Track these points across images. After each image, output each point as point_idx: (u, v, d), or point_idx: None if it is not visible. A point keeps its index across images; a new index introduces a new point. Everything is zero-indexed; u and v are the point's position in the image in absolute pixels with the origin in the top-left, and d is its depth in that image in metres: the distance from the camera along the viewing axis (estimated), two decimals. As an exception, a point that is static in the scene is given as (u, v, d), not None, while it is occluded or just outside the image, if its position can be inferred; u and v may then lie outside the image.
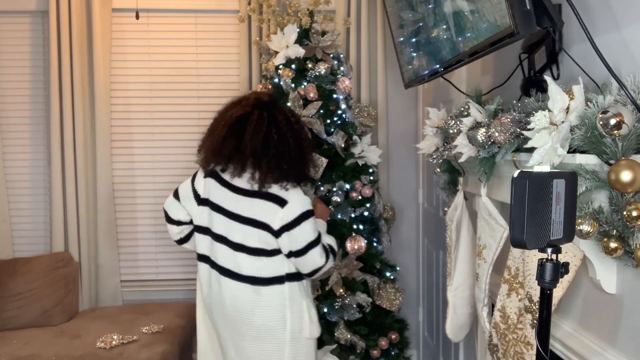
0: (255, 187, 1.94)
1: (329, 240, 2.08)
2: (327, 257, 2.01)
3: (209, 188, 2.04)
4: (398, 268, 2.98)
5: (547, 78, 1.30)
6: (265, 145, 1.91)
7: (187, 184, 2.12)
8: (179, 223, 2.13)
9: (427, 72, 2.03)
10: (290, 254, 1.95)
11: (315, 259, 1.97)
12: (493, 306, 1.83)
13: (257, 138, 1.91)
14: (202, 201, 2.05)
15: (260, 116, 1.94)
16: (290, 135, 1.96)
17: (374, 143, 3.20)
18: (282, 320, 1.98)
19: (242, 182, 1.98)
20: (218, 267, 2.01)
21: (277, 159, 1.92)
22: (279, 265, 1.99)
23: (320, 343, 2.65)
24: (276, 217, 1.92)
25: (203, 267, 2.08)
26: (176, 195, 2.14)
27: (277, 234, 1.93)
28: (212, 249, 2.03)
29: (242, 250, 1.97)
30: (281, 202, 1.93)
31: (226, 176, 2.00)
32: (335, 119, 2.76)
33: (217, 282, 2.02)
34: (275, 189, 1.94)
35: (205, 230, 2.04)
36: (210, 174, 2.05)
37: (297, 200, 1.94)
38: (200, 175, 2.08)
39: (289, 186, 1.95)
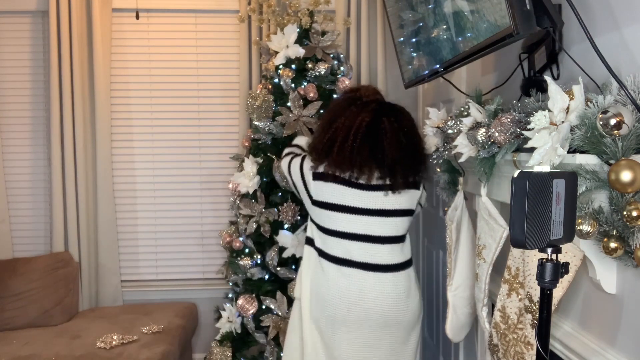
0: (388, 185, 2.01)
1: None
2: None
3: (332, 191, 2.03)
4: (398, 268, 2.97)
5: (547, 78, 1.30)
6: (402, 152, 1.99)
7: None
8: None
9: (427, 72, 2.03)
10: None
11: None
12: (493, 306, 1.83)
13: (396, 147, 1.98)
14: (327, 205, 2.05)
15: (392, 125, 1.99)
16: (417, 139, 2.06)
17: (374, 143, 3.19)
18: (420, 307, 2.11)
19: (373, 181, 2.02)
20: (364, 265, 2.02)
21: (410, 163, 2.03)
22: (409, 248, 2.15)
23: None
24: (421, 198, 2.17)
25: (340, 271, 2.01)
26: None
27: (414, 211, 2.14)
28: (350, 249, 2.02)
29: (388, 241, 2.06)
30: (417, 185, 2.11)
31: (354, 176, 2.00)
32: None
33: (370, 281, 2.01)
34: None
35: (345, 235, 2.04)
36: (330, 178, 2.03)
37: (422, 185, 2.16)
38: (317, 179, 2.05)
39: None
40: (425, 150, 2.10)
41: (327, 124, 2.05)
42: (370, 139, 1.96)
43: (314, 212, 2.09)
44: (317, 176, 2.05)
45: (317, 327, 2.06)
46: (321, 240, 2.07)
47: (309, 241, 2.14)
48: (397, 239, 2.08)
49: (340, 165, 1.98)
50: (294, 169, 2.14)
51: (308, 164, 2.08)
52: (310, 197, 2.09)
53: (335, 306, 2.00)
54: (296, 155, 2.21)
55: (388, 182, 2.01)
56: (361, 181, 2.00)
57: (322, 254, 2.06)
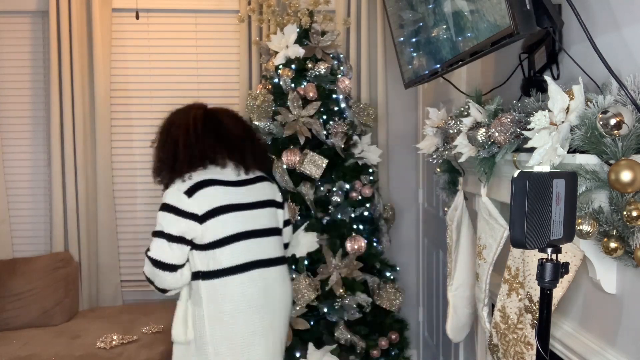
0: (244, 175, 2.06)
1: None
2: None
3: (213, 195, 1.96)
4: (398, 268, 2.98)
5: (547, 78, 1.30)
6: (245, 133, 2.10)
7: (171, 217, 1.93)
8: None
9: (427, 72, 2.03)
10: (288, 222, 2.26)
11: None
12: (493, 306, 1.83)
13: (238, 126, 2.09)
14: (214, 212, 1.95)
15: (227, 112, 2.13)
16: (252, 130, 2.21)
17: (374, 143, 3.20)
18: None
19: (232, 175, 2.03)
20: (263, 262, 2.01)
21: (254, 145, 2.12)
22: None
23: (320, 343, 2.65)
24: (277, 192, 2.20)
25: (246, 275, 1.96)
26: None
27: (281, 205, 2.19)
28: (248, 249, 1.98)
29: (272, 233, 2.10)
30: (272, 179, 2.26)
31: (220, 176, 2.00)
32: (335, 118, 2.76)
33: (270, 277, 2.02)
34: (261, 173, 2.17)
35: (236, 237, 1.97)
36: (206, 182, 1.96)
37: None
38: (180, 194, 1.93)
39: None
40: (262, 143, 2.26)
41: (163, 138, 2.04)
42: (211, 123, 2.02)
43: (207, 229, 1.94)
44: (190, 190, 1.93)
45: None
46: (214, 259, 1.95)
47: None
48: (275, 231, 2.13)
49: (192, 161, 1.96)
50: (165, 223, 1.92)
51: (173, 189, 1.94)
52: (196, 216, 1.92)
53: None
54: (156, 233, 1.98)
55: (244, 172, 2.05)
56: (223, 178, 2.00)
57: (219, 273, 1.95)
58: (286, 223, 2.25)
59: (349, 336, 2.65)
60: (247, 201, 2.02)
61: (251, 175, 2.08)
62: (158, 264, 1.92)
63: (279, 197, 2.19)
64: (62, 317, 3.05)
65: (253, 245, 1.99)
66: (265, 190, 2.11)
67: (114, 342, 2.72)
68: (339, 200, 2.72)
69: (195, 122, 2.01)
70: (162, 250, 1.91)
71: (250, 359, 1.96)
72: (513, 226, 1.00)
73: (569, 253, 1.32)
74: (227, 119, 2.07)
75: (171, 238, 1.91)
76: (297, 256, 2.67)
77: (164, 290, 2.00)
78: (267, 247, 2.04)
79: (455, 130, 1.79)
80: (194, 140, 1.98)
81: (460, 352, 2.63)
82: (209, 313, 1.93)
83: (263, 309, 1.98)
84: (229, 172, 2.02)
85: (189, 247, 1.94)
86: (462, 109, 1.85)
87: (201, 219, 1.92)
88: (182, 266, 1.95)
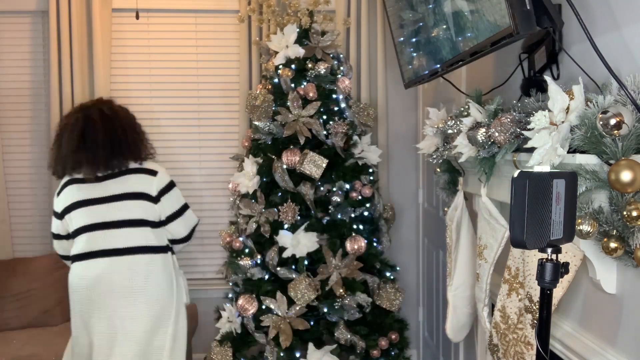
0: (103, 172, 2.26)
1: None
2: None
3: (70, 193, 2.28)
4: (398, 268, 2.98)
5: (547, 78, 1.30)
6: (82, 144, 2.24)
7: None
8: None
9: (427, 72, 2.03)
10: (169, 219, 2.32)
11: (191, 217, 2.41)
12: (493, 306, 1.83)
13: (73, 139, 2.25)
14: (65, 211, 2.29)
15: (76, 120, 2.28)
16: (103, 129, 2.25)
17: (374, 143, 3.20)
18: (171, 286, 2.29)
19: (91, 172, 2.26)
20: (102, 252, 2.22)
21: (95, 150, 2.23)
22: (162, 236, 2.31)
23: (320, 343, 2.65)
24: (152, 184, 2.29)
25: (82, 264, 2.24)
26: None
27: (156, 199, 2.29)
28: (93, 240, 2.23)
29: (127, 225, 2.24)
30: (152, 172, 2.31)
31: (80, 175, 2.27)
32: (335, 118, 2.76)
33: (105, 266, 2.21)
34: (146, 164, 2.33)
35: (82, 230, 2.25)
36: (68, 182, 2.31)
37: (164, 170, 2.36)
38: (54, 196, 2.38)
39: (138, 163, 2.31)
40: (131, 137, 2.31)
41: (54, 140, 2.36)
42: (77, 131, 2.25)
43: (67, 223, 2.33)
44: (58, 191, 2.35)
45: None
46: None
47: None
48: (131, 223, 2.27)
49: (58, 166, 2.30)
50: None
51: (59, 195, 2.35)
52: (56, 214, 2.35)
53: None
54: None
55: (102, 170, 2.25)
56: (81, 176, 2.27)
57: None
58: (170, 218, 2.33)
59: (349, 336, 2.65)
60: (100, 196, 2.24)
61: (115, 170, 2.25)
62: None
63: (152, 189, 2.28)
64: (62, 317, 3.05)
65: (97, 237, 2.22)
66: (133, 183, 2.26)
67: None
68: (339, 200, 2.72)
69: (62, 131, 2.30)
70: (57, 245, 2.44)
71: (91, 332, 2.24)
72: (513, 226, 1.00)
73: (569, 253, 1.32)
74: (95, 123, 2.25)
75: (54, 236, 2.40)
76: (297, 256, 2.67)
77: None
78: (114, 238, 2.22)
79: (455, 130, 1.79)
80: (60, 148, 2.29)
81: (460, 352, 2.63)
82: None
83: (92, 292, 2.21)
84: (87, 171, 2.24)
85: (65, 241, 2.37)
86: (462, 109, 1.85)
87: (60, 215, 2.32)
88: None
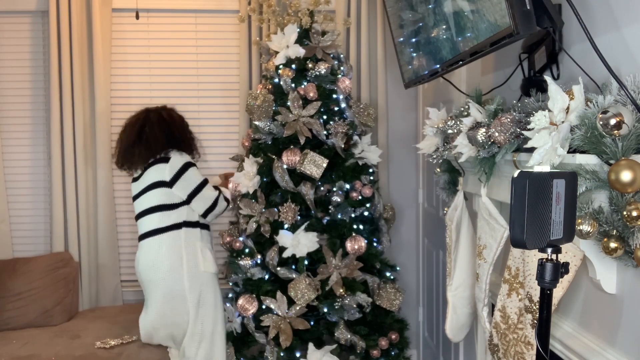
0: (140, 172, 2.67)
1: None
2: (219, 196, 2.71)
3: (132, 188, 2.73)
4: (398, 268, 2.98)
5: (547, 78, 1.30)
6: (138, 138, 2.64)
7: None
8: None
9: (427, 72, 2.03)
10: (189, 197, 2.60)
11: (209, 194, 2.64)
12: (493, 306, 1.83)
13: (131, 135, 2.66)
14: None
15: (137, 119, 2.72)
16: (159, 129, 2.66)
17: (374, 143, 3.20)
18: (179, 258, 2.56)
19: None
20: (139, 238, 2.66)
21: (147, 146, 2.62)
22: (176, 215, 2.59)
23: (320, 343, 2.65)
24: (165, 171, 2.56)
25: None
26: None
27: (170, 184, 2.57)
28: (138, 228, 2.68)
29: (147, 213, 2.60)
30: (165, 160, 2.59)
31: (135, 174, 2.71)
32: (335, 118, 2.76)
33: (138, 252, 2.65)
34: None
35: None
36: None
37: (178, 155, 2.62)
38: None
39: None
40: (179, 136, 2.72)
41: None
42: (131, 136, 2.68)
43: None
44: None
45: None
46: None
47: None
48: (149, 210, 2.62)
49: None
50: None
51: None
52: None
53: None
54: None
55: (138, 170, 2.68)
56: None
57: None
58: (190, 197, 2.60)
59: (349, 336, 2.65)
60: (136, 192, 2.65)
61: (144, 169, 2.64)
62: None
63: (166, 175, 2.57)
64: (62, 317, 3.05)
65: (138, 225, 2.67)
66: (151, 175, 2.59)
67: (113, 342, 2.72)
68: (339, 200, 2.72)
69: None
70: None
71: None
72: (513, 226, 1.00)
73: (569, 253, 1.32)
74: (128, 129, 2.69)
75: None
76: (297, 256, 2.67)
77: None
78: (142, 226, 2.63)
79: (455, 130, 1.79)
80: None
81: (460, 352, 2.63)
82: None
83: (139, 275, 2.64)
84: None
85: None
86: (462, 109, 1.86)
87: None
88: None
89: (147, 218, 2.60)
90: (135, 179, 2.68)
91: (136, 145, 2.61)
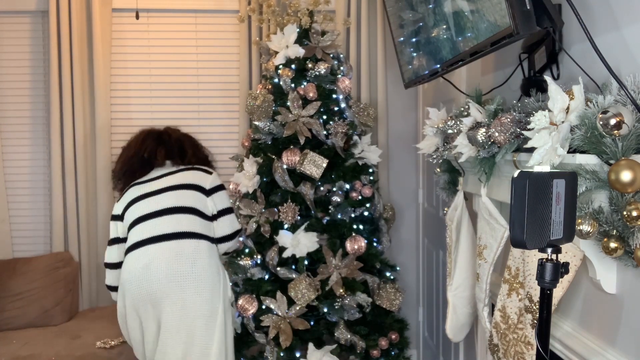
0: (175, 168, 2.46)
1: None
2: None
3: (126, 196, 2.40)
4: (398, 268, 2.98)
5: (547, 78, 1.30)
6: (160, 142, 2.52)
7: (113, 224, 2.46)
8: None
9: (427, 72, 2.03)
10: (219, 214, 2.41)
11: (236, 220, 2.49)
12: (493, 306, 1.83)
13: (149, 141, 2.50)
14: (125, 209, 2.38)
15: (148, 132, 2.57)
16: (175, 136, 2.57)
17: (374, 143, 3.20)
18: (218, 273, 2.30)
19: (161, 170, 2.46)
20: (149, 239, 2.23)
21: (169, 149, 2.49)
22: (211, 228, 2.36)
23: (320, 343, 2.65)
24: (207, 180, 2.43)
25: (131, 254, 2.26)
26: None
27: (208, 193, 2.41)
28: (142, 231, 2.27)
29: (177, 211, 2.29)
30: (207, 172, 2.47)
31: (144, 178, 2.43)
32: (335, 118, 2.76)
33: (153, 252, 2.22)
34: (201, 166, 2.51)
35: (136, 221, 2.31)
36: (131, 201, 2.38)
37: (215, 173, 2.51)
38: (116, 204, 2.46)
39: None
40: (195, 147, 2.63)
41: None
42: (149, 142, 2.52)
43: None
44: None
45: None
46: None
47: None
48: (182, 210, 2.35)
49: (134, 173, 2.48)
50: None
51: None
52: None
53: None
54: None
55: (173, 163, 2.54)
56: (148, 190, 2.40)
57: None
58: (220, 213, 2.41)
59: (349, 336, 2.65)
60: (155, 189, 2.35)
61: (173, 169, 2.45)
62: None
63: (207, 184, 2.41)
64: (62, 317, 3.05)
65: (148, 226, 2.27)
66: (187, 177, 2.41)
67: (113, 342, 2.72)
68: (339, 200, 2.72)
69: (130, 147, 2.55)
70: (112, 254, 2.46)
71: (129, 325, 2.28)
72: (513, 226, 1.00)
73: (569, 253, 1.32)
74: (164, 136, 2.55)
75: (111, 241, 2.46)
76: (297, 256, 2.67)
77: None
78: (163, 224, 2.25)
79: (455, 130, 1.79)
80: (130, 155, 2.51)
81: (460, 352, 2.63)
82: None
83: (141, 282, 2.19)
84: (153, 173, 2.45)
85: (123, 244, 2.40)
86: (462, 109, 1.85)
87: (120, 216, 2.40)
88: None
89: (176, 217, 2.27)
90: (149, 180, 2.41)
91: (159, 148, 2.47)
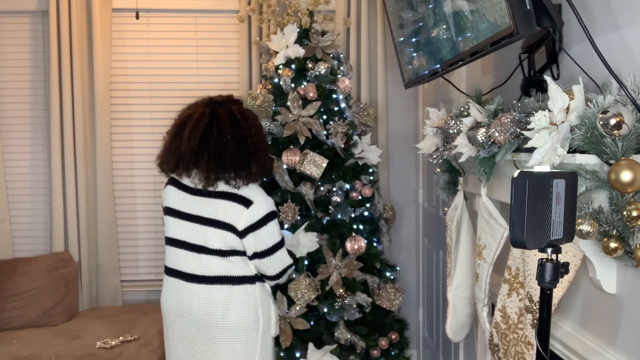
0: (200, 186, 1.94)
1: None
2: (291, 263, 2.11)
3: (167, 195, 2.04)
4: (398, 268, 2.98)
5: (547, 78, 1.30)
6: (204, 142, 1.91)
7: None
8: None
9: (427, 72, 2.03)
10: (255, 255, 1.98)
11: (283, 258, 2.04)
12: (493, 306, 1.83)
13: (195, 135, 1.92)
14: (165, 210, 2.06)
15: (202, 114, 1.94)
16: (231, 132, 1.93)
17: (374, 143, 3.20)
18: (255, 320, 2.00)
19: (198, 183, 1.97)
20: (183, 274, 2.00)
21: (216, 156, 1.91)
22: (247, 265, 2.01)
23: (320, 343, 2.65)
24: (241, 217, 1.93)
25: (169, 280, 2.05)
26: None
27: (242, 234, 1.94)
28: (177, 258, 2.01)
29: (204, 252, 1.96)
30: (247, 202, 1.94)
31: (184, 180, 2.01)
32: (335, 118, 2.76)
33: (185, 291, 2.00)
34: (243, 191, 1.95)
35: (168, 241, 2.04)
36: (170, 181, 2.06)
37: (263, 200, 1.97)
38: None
39: (242, 185, 1.95)
40: (257, 155, 1.98)
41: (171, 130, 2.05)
42: (180, 131, 1.97)
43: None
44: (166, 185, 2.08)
45: None
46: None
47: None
48: (209, 251, 1.97)
49: (164, 162, 2.03)
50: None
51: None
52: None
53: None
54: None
55: (204, 184, 1.94)
56: (186, 183, 1.99)
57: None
58: (255, 256, 1.99)
59: (349, 336, 2.65)
60: (188, 212, 1.98)
61: (213, 187, 1.94)
62: None
63: (240, 224, 1.93)
64: (62, 317, 3.05)
65: (179, 256, 2.01)
66: (220, 210, 1.94)
67: (113, 342, 2.72)
68: (339, 200, 2.72)
69: (182, 123, 2.00)
70: None
71: (169, 351, 2.09)
72: (513, 226, 1.00)
73: (569, 253, 1.32)
74: (192, 125, 1.95)
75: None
76: (297, 256, 2.67)
77: None
78: (193, 262, 1.98)
79: (455, 130, 1.79)
80: (179, 142, 1.98)
81: (460, 352, 2.63)
82: None
83: (176, 317, 2.02)
84: (194, 179, 1.97)
85: None
86: (462, 109, 1.85)
87: (163, 210, 2.07)
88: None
89: (206, 259, 1.97)
90: (185, 189, 2.01)
91: (201, 153, 1.92)
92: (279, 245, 2.02)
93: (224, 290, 1.96)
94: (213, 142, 1.91)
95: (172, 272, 2.03)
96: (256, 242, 1.96)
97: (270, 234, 1.98)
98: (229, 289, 1.96)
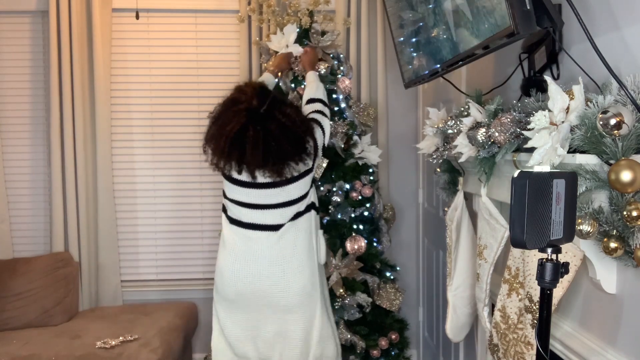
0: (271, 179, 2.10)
1: None
2: None
3: (233, 190, 2.18)
4: (398, 268, 2.98)
5: (547, 78, 1.30)
6: (266, 157, 2.02)
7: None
8: None
9: (427, 72, 2.03)
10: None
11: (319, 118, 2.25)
12: (493, 306, 1.83)
13: (257, 153, 2.01)
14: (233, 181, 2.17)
15: (256, 132, 2.00)
16: (287, 137, 2.03)
17: (374, 143, 3.20)
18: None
19: (261, 178, 2.11)
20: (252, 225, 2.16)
21: (281, 162, 2.04)
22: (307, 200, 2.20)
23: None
24: (293, 192, 2.15)
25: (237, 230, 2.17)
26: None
27: (295, 201, 2.17)
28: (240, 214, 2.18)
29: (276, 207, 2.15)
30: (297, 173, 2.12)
31: (242, 177, 2.12)
32: (335, 118, 2.76)
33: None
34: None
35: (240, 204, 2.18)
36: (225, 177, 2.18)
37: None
38: None
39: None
40: (308, 137, 2.11)
41: (212, 120, 2.18)
42: (238, 145, 2.03)
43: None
44: None
45: None
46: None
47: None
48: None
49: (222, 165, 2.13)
50: None
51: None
52: None
53: None
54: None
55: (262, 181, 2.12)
56: (239, 177, 2.13)
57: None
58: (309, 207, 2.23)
59: (349, 336, 2.65)
60: (256, 202, 2.14)
61: (261, 181, 2.11)
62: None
63: (295, 194, 2.16)
64: (62, 317, 3.05)
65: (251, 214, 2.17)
66: (277, 195, 2.14)
67: (113, 342, 2.72)
68: (339, 200, 2.72)
69: (226, 138, 2.05)
70: None
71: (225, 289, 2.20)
72: (513, 226, 1.00)
73: (569, 253, 1.32)
74: (252, 144, 2.01)
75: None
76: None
77: None
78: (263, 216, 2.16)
79: (455, 130, 1.79)
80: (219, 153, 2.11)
81: (460, 352, 2.63)
82: None
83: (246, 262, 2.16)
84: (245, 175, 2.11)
85: None
86: (462, 109, 1.85)
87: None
88: None
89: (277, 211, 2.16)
90: (256, 185, 2.13)
91: (254, 151, 2.01)
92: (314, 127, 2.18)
93: (290, 232, 2.16)
94: (274, 155, 2.02)
95: (238, 223, 2.18)
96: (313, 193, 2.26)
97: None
98: (294, 228, 2.17)
